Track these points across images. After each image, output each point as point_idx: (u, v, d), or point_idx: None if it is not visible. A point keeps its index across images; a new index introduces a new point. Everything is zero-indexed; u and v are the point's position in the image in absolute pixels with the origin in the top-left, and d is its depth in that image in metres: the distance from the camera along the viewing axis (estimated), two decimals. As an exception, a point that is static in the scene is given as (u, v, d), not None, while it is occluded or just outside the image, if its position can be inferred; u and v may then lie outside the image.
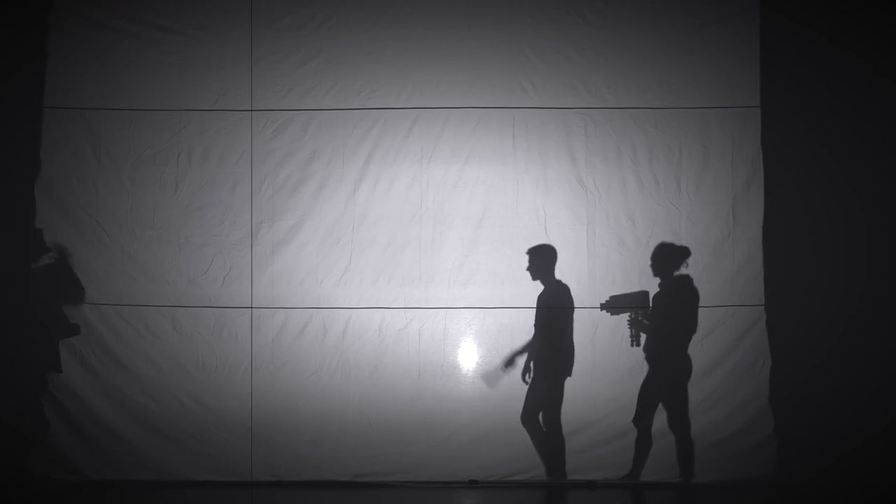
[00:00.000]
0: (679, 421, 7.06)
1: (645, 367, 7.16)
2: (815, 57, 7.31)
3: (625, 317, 7.20)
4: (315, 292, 7.33)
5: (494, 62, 7.42)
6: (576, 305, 7.21)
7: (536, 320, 7.23)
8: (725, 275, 7.30)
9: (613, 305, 7.16)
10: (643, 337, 7.16)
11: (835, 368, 7.10)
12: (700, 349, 7.23)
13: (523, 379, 7.21)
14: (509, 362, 7.25)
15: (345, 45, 7.44)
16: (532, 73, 7.42)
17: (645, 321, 7.13)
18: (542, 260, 7.26)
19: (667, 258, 7.17)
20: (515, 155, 7.41)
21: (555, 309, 7.20)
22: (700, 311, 7.22)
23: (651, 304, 7.16)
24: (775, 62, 7.33)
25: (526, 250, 7.30)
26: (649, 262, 7.22)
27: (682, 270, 7.17)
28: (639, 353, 7.18)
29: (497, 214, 7.39)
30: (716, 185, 7.35)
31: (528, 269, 7.26)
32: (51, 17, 7.42)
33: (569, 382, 7.20)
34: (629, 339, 7.16)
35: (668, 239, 7.29)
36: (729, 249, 7.31)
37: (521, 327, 7.28)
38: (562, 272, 7.30)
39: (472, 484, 7.16)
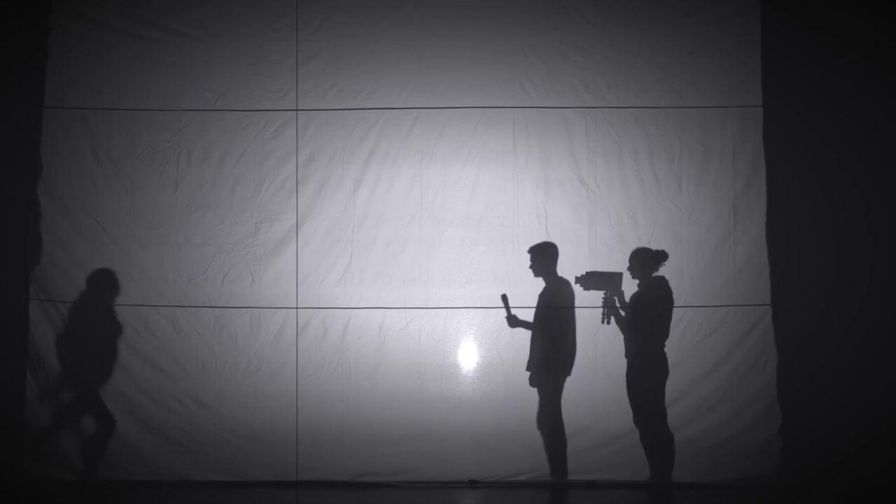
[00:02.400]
0: (655, 419, 7.03)
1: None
2: (816, 55, 7.31)
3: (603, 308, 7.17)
4: (315, 292, 7.32)
5: (494, 62, 7.42)
6: (577, 304, 7.19)
7: (535, 319, 7.21)
8: (727, 274, 7.28)
9: (587, 280, 7.12)
10: (629, 336, 7.14)
11: (838, 368, 7.09)
12: (703, 349, 7.23)
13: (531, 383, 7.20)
14: (511, 318, 7.19)
15: (345, 46, 7.43)
16: (532, 72, 7.41)
17: (616, 300, 7.09)
18: (543, 257, 7.24)
19: (643, 261, 7.14)
20: (516, 154, 7.40)
21: (554, 308, 7.17)
22: (703, 310, 7.22)
23: (630, 305, 7.13)
24: (777, 61, 7.31)
25: (527, 249, 7.27)
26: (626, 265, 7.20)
27: (661, 271, 7.14)
28: (640, 353, 7.18)
29: (497, 214, 7.38)
30: (717, 184, 7.34)
31: (531, 267, 7.24)
32: (51, 17, 7.42)
33: (570, 382, 7.18)
34: (600, 317, 7.13)
35: (670, 238, 7.28)
36: (730, 249, 7.29)
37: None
38: (563, 271, 7.27)
39: (472, 484, 7.15)
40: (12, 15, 7.39)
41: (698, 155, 7.36)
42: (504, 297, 7.20)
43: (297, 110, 7.40)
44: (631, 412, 7.06)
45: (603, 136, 7.39)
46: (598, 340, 7.24)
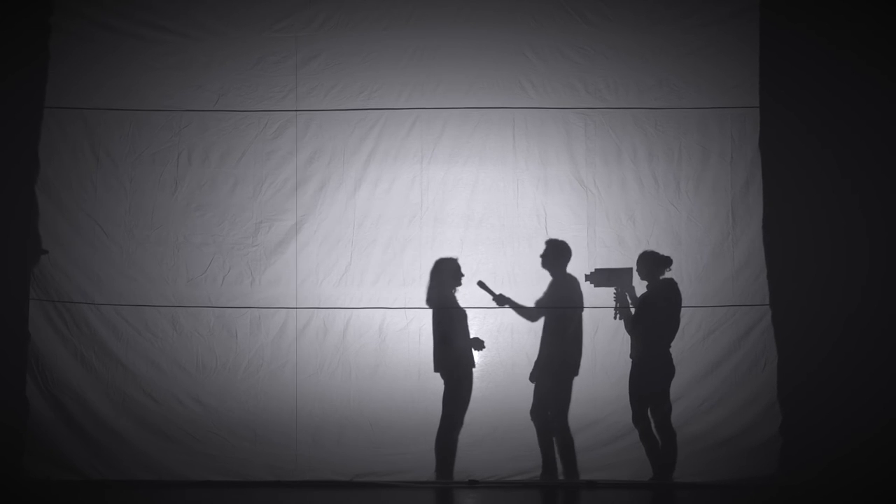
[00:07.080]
0: (660, 417, 7.05)
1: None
2: (814, 57, 7.31)
3: (612, 305, 7.18)
4: (315, 292, 7.33)
5: (494, 62, 7.43)
6: (585, 303, 7.21)
7: (546, 319, 7.20)
8: (726, 274, 7.29)
9: (596, 277, 7.15)
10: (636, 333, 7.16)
11: (836, 368, 7.10)
12: (702, 349, 7.24)
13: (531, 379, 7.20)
14: (498, 298, 7.21)
15: (345, 46, 7.45)
16: (532, 73, 7.42)
17: (628, 296, 7.11)
18: (558, 255, 7.23)
19: (651, 264, 7.17)
20: (515, 155, 7.41)
21: (562, 308, 7.18)
22: (702, 310, 7.24)
23: (638, 304, 7.14)
24: (775, 62, 7.33)
25: (545, 241, 7.28)
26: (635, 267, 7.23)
27: (667, 275, 7.16)
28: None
29: (497, 214, 7.39)
30: (715, 185, 7.35)
31: (542, 255, 7.24)
32: (52, 18, 7.42)
33: (573, 382, 7.19)
34: (613, 312, 7.15)
35: (668, 239, 7.30)
36: (729, 249, 7.31)
37: (522, 326, 7.27)
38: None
39: (472, 484, 7.14)
40: (13, 17, 7.39)
41: (697, 156, 7.37)
42: (481, 283, 7.20)
43: (296, 111, 7.41)
44: (630, 411, 7.08)
45: (602, 136, 7.40)
46: (597, 340, 7.25)
